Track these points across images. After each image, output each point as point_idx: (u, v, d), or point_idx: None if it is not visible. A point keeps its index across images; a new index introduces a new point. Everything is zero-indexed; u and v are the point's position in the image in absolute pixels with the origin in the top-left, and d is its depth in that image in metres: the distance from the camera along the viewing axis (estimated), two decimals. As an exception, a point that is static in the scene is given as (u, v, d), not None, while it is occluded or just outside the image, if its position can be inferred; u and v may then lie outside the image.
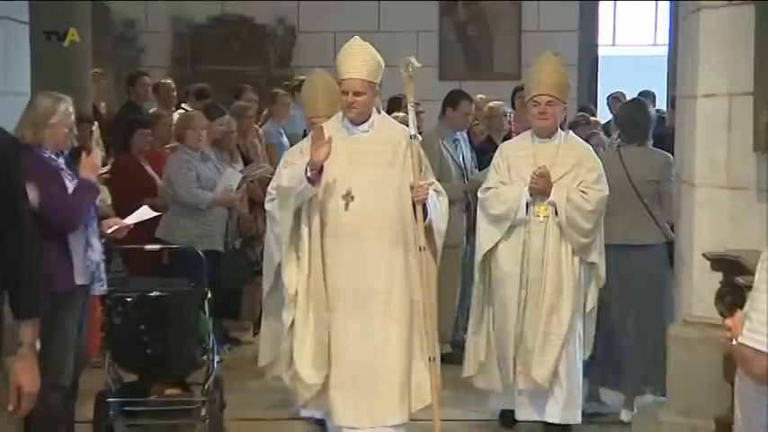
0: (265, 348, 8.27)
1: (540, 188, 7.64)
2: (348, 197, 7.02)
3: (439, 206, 7.19)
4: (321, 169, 6.80)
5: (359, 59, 7.11)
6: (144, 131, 10.79)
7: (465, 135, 11.15)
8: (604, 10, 17.31)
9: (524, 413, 7.81)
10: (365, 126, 7.13)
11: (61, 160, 7.00)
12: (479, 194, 8.15)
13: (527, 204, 7.69)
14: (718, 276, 6.67)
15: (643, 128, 9.23)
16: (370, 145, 7.14)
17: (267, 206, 8.16)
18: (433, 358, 6.95)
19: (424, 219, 7.00)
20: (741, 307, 5.78)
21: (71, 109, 7.08)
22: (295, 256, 7.20)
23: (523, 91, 12.50)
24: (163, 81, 13.18)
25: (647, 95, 14.57)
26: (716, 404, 6.65)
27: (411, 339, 7.01)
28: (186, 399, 8.12)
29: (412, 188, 6.97)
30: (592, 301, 7.93)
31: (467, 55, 16.59)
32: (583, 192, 7.71)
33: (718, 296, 6.60)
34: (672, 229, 8.74)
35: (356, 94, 6.98)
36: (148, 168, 10.57)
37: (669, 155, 9.21)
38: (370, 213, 6.98)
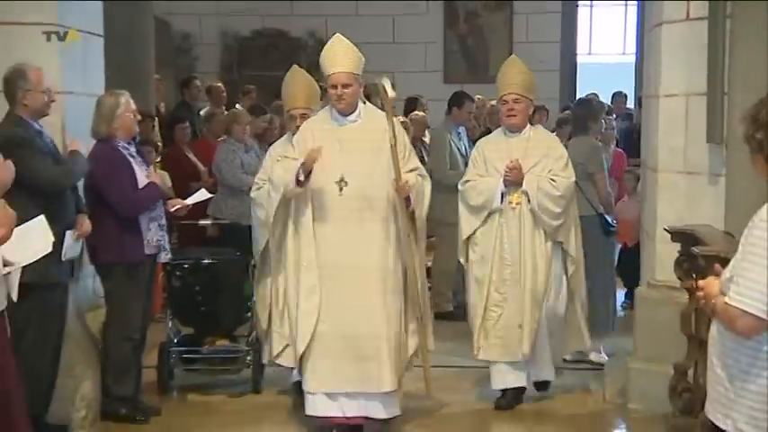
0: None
1: (513, 179, 7.14)
2: (341, 182, 6.60)
3: (422, 191, 6.76)
4: (309, 174, 6.47)
5: (343, 55, 6.70)
6: (182, 125, 10.90)
7: (464, 129, 11.16)
8: (582, 24, 17.29)
9: (501, 382, 7.39)
10: (353, 116, 6.70)
11: (132, 148, 7.15)
12: (459, 187, 7.59)
13: (502, 194, 7.19)
14: (677, 247, 6.66)
15: (582, 122, 9.38)
16: (359, 133, 6.68)
17: (253, 194, 7.64)
18: (420, 317, 6.64)
19: (408, 208, 6.60)
20: (697, 273, 5.85)
21: (131, 100, 7.19)
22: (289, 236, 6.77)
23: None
24: (215, 84, 13.18)
25: (620, 96, 14.58)
26: (674, 353, 6.70)
27: (401, 310, 6.62)
28: (234, 348, 8.16)
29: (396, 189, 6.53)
30: (571, 269, 7.44)
31: (467, 62, 16.53)
32: (552, 179, 7.22)
33: (677, 263, 6.61)
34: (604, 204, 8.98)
35: (344, 86, 6.56)
36: (191, 156, 10.64)
37: (597, 142, 9.32)
38: (362, 196, 6.54)
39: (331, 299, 6.52)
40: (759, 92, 4.13)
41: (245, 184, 9.93)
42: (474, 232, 7.37)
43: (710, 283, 3.85)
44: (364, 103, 6.79)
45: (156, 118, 11.61)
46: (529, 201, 7.14)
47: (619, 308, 10.37)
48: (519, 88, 7.37)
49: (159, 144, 11.05)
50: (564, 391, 7.68)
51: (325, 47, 6.81)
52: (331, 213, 6.54)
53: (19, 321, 6.19)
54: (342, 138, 6.64)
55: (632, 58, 15.84)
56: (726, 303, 3.68)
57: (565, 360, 7.98)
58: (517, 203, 7.18)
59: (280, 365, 7.40)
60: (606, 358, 8.39)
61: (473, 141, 11.25)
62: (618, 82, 15.18)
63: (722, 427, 3.80)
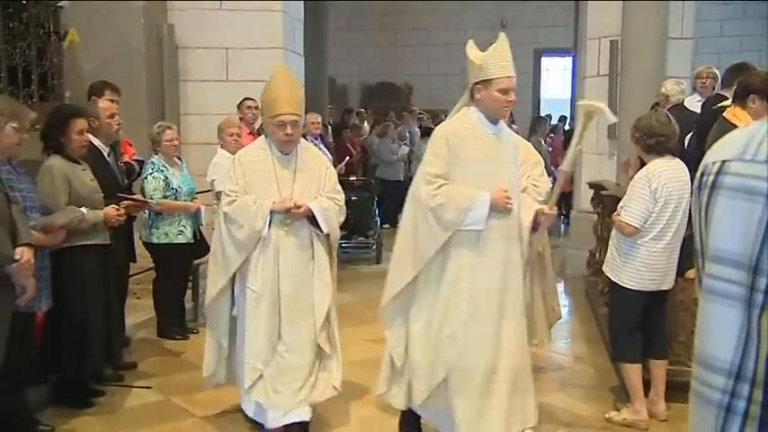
0: (209, 358, 3.70)
1: None
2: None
3: None
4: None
5: (511, 61, 3.14)
6: (346, 131, 10.93)
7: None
8: (543, 78, 17.04)
9: None
10: (500, 125, 3.23)
11: (318, 141, 7.24)
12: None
13: None
14: (592, 192, 6.67)
15: (535, 126, 10.07)
16: (504, 144, 3.20)
17: (226, 209, 3.46)
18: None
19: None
20: (602, 205, 5.87)
21: (318, 119, 7.45)
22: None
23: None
24: (358, 110, 13.25)
25: (562, 118, 14.48)
26: (588, 244, 6.71)
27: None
28: (367, 241, 8.19)
29: (542, 214, 3.21)
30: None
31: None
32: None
33: (592, 200, 6.59)
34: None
35: (515, 93, 3.15)
36: (349, 146, 10.51)
37: (538, 139, 9.49)
38: (513, 212, 3.14)
39: (474, 329, 3.07)
40: (634, 115, 4.14)
41: (387, 158, 10.07)
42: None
43: (614, 214, 3.84)
44: None
45: (330, 127, 11.75)
46: None
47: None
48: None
49: (331, 140, 11.23)
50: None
51: (495, 48, 3.13)
52: (487, 233, 3.09)
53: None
54: (493, 148, 3.18)
55: (568, 95, 15.65)
56: (620, 219, 3.69)
57: None
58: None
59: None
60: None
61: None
62: (563, 109, 14.98)
63: (613, 279, 3.79)
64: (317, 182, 3.59)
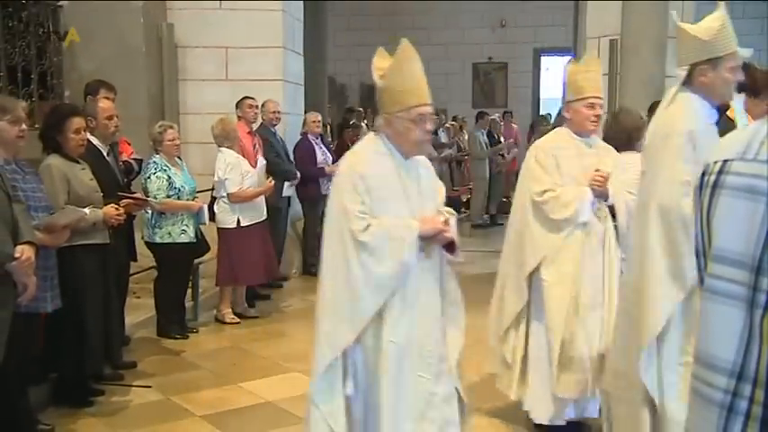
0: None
1: (603, 190, 3.29)
2: None
3: None
4: None
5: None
6: (348, 130, 10.85)
7: (483, 131, 11.10)
8: (543, 78, 17.05)
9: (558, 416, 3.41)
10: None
11: (318, 140, 7.26)
12: (536, 198, 3.33)
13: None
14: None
15: (539, 124, 10.13)
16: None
17: (363, 237, 2.41)
18: None
19: None
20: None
21: (319, 118, 7.32)
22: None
23: (508, 114, 12.40)
24: (357, 109, 13.21)
25: (561, 114, 14.48)
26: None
27: None
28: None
29: None
30: None
31: (484, 97, 16.29)
32: (630, 192, 3.17)
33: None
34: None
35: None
36: (350, 145, 10.46)
37: (546, 129, 9.52)
38: None
39: None
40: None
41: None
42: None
43: None
44: None
45: (329, 126, 11.70)
46: (614, 216, 3.35)
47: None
48: (601, 91, 3.46)
49: (330, 140, 11.16)
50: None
51: (721, 18, 2.53)
52: None
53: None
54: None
55: (569, 95, 15.82)
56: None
57: None
58: (604, 218, 3.34)
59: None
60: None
61: (487, 134, 11.21)
62: (557, 107, 15.03)
63: None
64: (433, 193, 2.70)
